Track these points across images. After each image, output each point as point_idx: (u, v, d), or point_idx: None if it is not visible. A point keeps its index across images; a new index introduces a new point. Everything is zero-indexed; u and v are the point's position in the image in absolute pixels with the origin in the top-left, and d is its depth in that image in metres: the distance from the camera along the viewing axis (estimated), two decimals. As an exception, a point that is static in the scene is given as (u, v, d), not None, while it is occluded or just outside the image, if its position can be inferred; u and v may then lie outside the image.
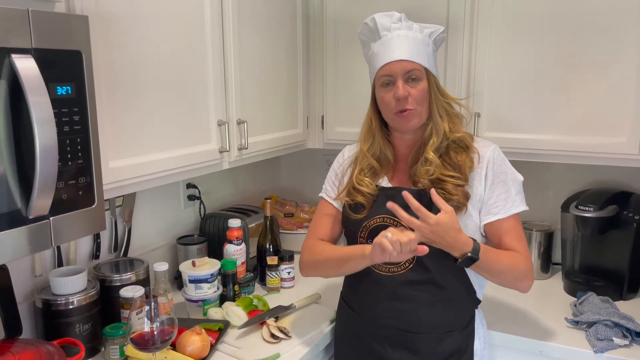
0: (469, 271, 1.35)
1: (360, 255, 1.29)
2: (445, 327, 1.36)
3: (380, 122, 1.42)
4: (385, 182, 1.41)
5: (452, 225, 1.20)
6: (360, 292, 1.44)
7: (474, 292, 1.39)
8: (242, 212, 2.05)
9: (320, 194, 1.53)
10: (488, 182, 1.33)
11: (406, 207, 1.25)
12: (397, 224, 1.32)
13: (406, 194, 1.21)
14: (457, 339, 1.37)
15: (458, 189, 1.30)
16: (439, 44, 1.41)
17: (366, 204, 1.37)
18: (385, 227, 1.33)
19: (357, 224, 1.39)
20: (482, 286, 1.42)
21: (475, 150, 1.36)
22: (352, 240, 1.44)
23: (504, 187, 1.33)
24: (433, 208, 1.27)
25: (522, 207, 1.36)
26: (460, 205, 1.30)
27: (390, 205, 1.21)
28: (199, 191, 2.04)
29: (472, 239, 1.25)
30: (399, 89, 1.30)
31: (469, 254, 1.22)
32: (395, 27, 1.33)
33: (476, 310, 1.43)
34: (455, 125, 1.36)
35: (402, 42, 1.31)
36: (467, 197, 1.31)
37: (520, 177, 1.37)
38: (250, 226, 1.97)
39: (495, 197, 1.33)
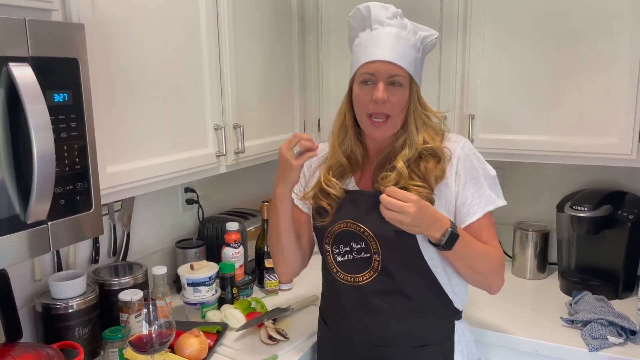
0: (443, 280, 1.28)
1: (275, 195, 1.29)
2: (417, 341, 1.29)
3: (353, 118, 1.32)
4: (352, 184, 1.34)
5: (425, 202, 1.15)
6: (331, 306, 1.39)
7: (451, 302, 1.31)
8: (240, 215, 2.07)
9: None
10: (461, 181, 1.25)
11: (371, 210, 1.24)
12: (360, 229, 1.27)
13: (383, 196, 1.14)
14: (433, 353, 1.30)
15: (421, 197, 1.19)
16: (429, 49, 1.32)
17: (330, 209, 1.30)
18: (348, 233, 1.29)
19: (323, 230, 1.33)
20: (461, 297, 1.34)
21: (447, 154, 1.27)
22: (320, 247, 1.37)
23: (476, 184, 1.26)
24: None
25: (500, 202, 1.28)
26: None
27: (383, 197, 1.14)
28: (197, 195, 2.06)
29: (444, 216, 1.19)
30: (379, 91, 1.21)
31: (450, 230, 1.14)
32: (388, 22, 1.24)
33: (457, 322, 1.34)
34: (430, 137, 1.27)
35: (392, 41, 1.22)
36: (431, 203, 1.22)
37: (493, 172, 1.29)
38: (248, 229, 1.99)
39: (471, 196, 1.25)
